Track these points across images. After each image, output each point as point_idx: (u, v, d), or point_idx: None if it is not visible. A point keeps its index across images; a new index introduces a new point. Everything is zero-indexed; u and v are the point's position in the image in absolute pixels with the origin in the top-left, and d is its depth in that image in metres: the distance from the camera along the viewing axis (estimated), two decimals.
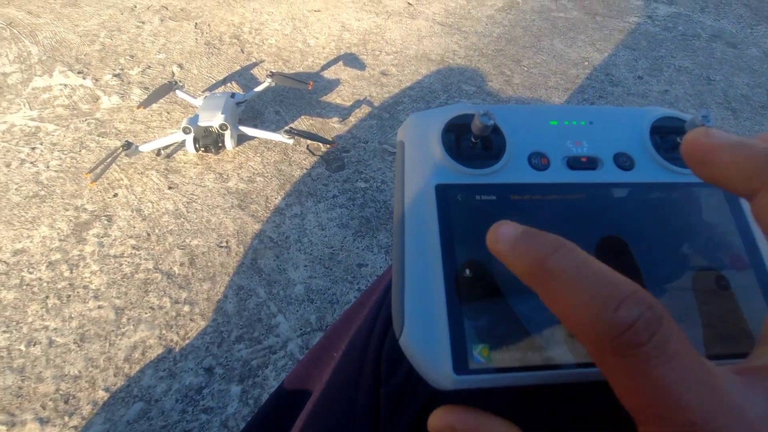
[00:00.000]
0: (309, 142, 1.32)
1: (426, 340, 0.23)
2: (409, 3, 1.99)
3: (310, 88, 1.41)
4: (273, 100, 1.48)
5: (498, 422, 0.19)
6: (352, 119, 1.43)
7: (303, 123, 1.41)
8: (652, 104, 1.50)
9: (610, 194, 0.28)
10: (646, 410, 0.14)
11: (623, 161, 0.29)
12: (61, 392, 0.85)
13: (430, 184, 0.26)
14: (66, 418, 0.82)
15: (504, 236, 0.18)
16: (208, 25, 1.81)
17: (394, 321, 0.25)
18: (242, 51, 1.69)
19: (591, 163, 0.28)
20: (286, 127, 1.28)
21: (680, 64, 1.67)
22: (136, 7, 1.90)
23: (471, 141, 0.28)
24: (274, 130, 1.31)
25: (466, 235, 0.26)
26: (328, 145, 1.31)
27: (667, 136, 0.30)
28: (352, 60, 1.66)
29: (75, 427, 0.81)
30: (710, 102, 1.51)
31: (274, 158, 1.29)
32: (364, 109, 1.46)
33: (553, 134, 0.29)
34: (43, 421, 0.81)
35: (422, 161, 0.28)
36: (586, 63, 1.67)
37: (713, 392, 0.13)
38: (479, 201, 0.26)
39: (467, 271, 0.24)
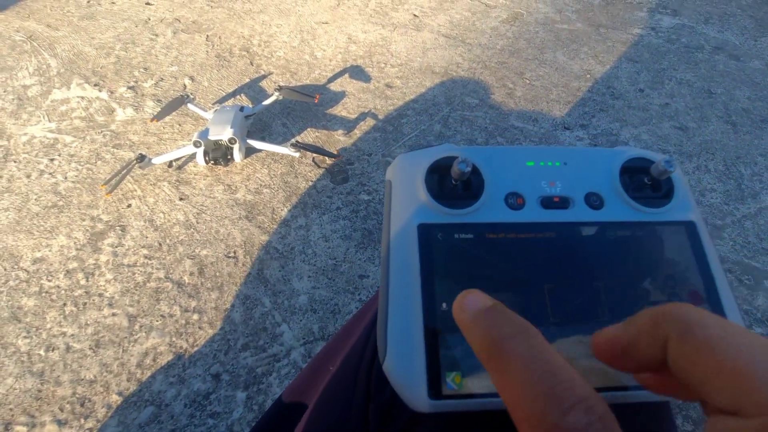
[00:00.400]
0: (314, 154, 1.37)
1: (405, 368, 0.26)
2: (414, 15, 2.02)
3: (316, 101, 1.45)
4: (281, 112, 1.53)
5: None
6: (357, 132, 1.47)
7: (309, 135, 1.46)
8: (653, 118, 1.52)
9: (580, 232, 0.31)
10: None
11: (594, 201, 0.31)
12: (77, 396, 0.90)
13: (413, 223, 0.30)
14: (82, 421, 0.87)
15: (469, 307, 0.19)
16: (219, 37, 1.87)
17: (378, 348, 0.28)
18: (251, 63, 1.74)
19: (563, 203, 0.31)
20: (293, 140, 1.32)
21: (682, 77, 1.69)
22: (150, 19, 1.96)
23: (452, 182, 0.31)
24: (281, 143, 1.36)
25: (444, 271, 0.29)
26: (332, 158, 1.35)
27: (636, 176, 0.33)
28: (357, 72, 1.70)
29: (90, 429, 0.86)
30: (710, 115, 1.53)
31: (280, 170, 1.34)
32: (369, 122, 1.50)
33: (529, 175, 0.32)
34: (61, 423, 0.86)
35: (407, 201, 0.31)
36: (588, 75, 1.70)
37: None
38: (458, 239, 0.30)
39: (444, 305, 0.28)
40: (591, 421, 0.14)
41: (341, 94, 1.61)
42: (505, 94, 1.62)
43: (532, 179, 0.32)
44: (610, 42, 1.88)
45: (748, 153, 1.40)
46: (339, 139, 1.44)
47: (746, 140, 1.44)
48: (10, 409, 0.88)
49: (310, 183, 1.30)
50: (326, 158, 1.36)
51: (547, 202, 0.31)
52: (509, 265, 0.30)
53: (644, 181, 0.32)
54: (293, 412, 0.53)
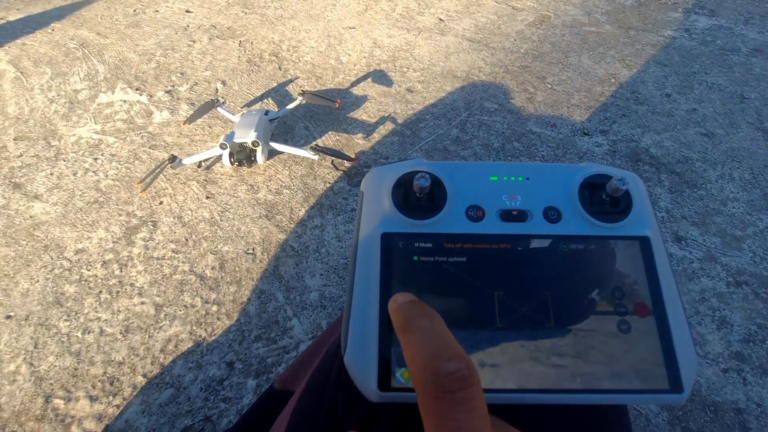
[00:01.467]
0: (333, 157, 1.43)
1: (361, 361, 0.30)
2: (440, 19, 2.05)
3: (337, 105, 1.51)
4: (304, 116, 1.60)
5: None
6: (376, 135, 1.52)
7: (330, 138, 1.52)
8: (678, 124, 1.48)
9: (535, 244, 0.34)
10: None
11: (552, 214, 0.33)
12: (108, 375, 1.00)
13: (378, 232, 0.33)
14: (111, 398, 0.96)
15: (397, 300, 0.26)
16: (251, 43, 1.96)
17: (342, 343, 0.32)
18: (280, 68, 1.82)
19: (521, 216, 0.33)
20: (312, 144, 1.39)
21: (713, 81, 1.63)
22: (188, 26, 2.08)
23: (417, 195, 0.34)
24: (303, 146, 1.43)
25: (402, 276, 0.33)
26: (350, 162, 1.41)
27: (595, 192, 0.35)
28: (380, 77, 1.75)
29: (117, 406, 0.95)
30: (740, 121, 1.48)
31: (300, 172, 1.40)
32: (388, 126, 1.54)
33: (492, 189, 0.34)
34: (92, 399, 0.96)
35: (375, 211, 0.34)
36: (613, 80, 1.67)
37: None
38: (417, 248, 0.33)
39: None
40: (460, 368, 0.19)
41: (363, 98, 1.66)
42: (525, 98, 1.62)
43: (493, 193, 0.34)
44: (639, 45, 1.83)
45: None
46: (358, 143, 1.50)
47: None
48: (51, 384, 0.98)
49: (328, 185, 1.36)
50: (344, 161, 1.41)
51: (506, 215, 0.33)
52: (464, 273, 0.32)
53: (602, 196, 0.33)
54: (281, 399, 0.59)
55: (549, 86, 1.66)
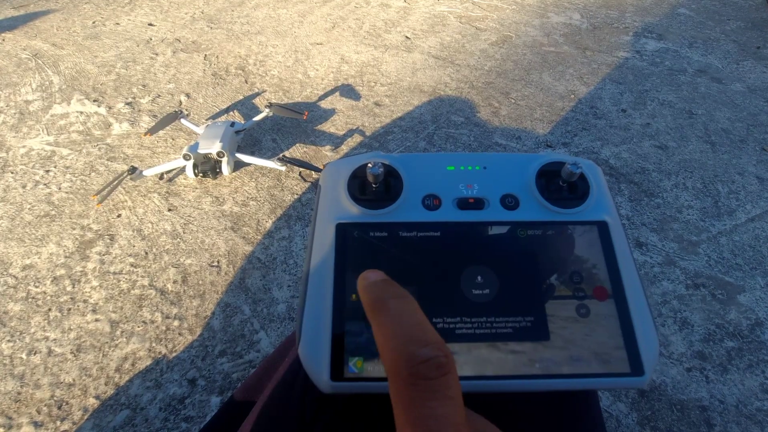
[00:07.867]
0: (301, 168, 1.41)
1: (314, 352, 0.28)
2: (406, 37, 2.09)
3: (305, 117, 1.50)
4: (271, 128, 1.58)
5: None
6: (344, 147, 1.51)
7: (298, 151, 1.50)
8: (634, 137, 1.55)
9: (491, 231, 0.33)
10: None
11: (509, 202, 0.33)
12: (55, 398, 0.92)
13: (333, 222, 0.32)
14: (58, 423, 0.89)
15: (368, 277, 0.24)
16: (217, 57, 1.93)
17: (296, 334, 0.31)
18: (246, 81, 1.80)
19: (478, 204, 0.33)
20: (280, 155, 1.36)
21: (664, 98, 1.73)
22: (151, 39, 2.04)
23: (373, 186, 0.34)
24: (270, 158, 1.40)
25: (357, 265, 0.31)
26: (318, 173, 1.39)
27: (553, 179, 0.35)
28: (348, 91, 1.75)
29: (66, 431, 0.87)
30: (690, 135, 1.56)
31: (267, 184, 1.37)
32: (356, 138, 1.54)
33: (448, 178, 0.34)
34: (37, 425, 0.88)
35: (331, 203, 0.34)
36: (573, 96, 1.74)
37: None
38: (373, 237, 0.32)
39: (354, 296, 0.30)
40: (438, 355, 0.18)
41: (331, 112, 1.66)
42: (490, 112, 1.66)
43: (450, 182, 0.33)
44: (595, 64, 1.93)
45: (726, 172, 1.43)
46: (326, 155, 1.49)
47: (724, 159, 1.47)
48: None
49: (296, 196, 1.34)
50: (312, 172, 1.40)
51: (463, 203, 0.32)
52: (419, 261, 0.31)
53: (560, 183, 0.33)
54: (244, 408, 0.55)
55: (513, 101, 1.71)
